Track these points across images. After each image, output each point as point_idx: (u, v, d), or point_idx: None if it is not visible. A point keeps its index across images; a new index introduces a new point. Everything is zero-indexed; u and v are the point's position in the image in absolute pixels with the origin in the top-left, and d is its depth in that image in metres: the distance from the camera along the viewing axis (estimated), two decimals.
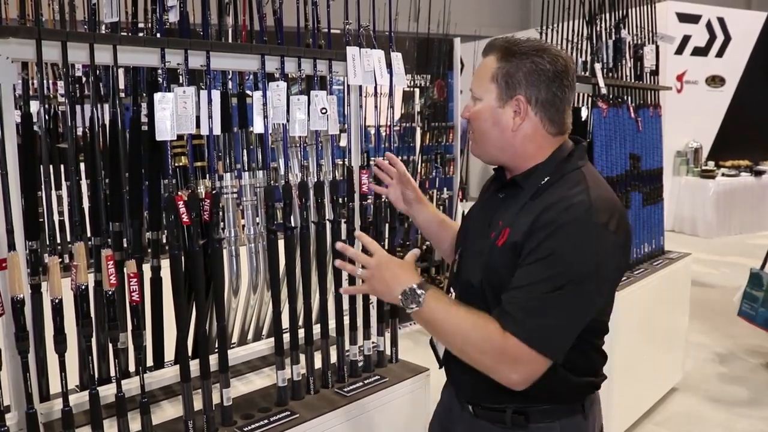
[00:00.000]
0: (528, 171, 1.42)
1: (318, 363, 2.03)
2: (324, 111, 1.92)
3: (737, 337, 4.85)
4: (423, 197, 1.84)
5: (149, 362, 1.96)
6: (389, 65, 2.10)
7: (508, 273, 1.33)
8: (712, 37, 9.41)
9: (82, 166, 1.87)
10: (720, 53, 9.52)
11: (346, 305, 2.10)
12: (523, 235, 1.32)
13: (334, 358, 2.08)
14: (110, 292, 1.56)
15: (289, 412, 1.85)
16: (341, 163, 2.17)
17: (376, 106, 2.17)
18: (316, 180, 1.99)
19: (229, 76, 2.08)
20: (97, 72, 1.76)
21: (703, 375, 4.31)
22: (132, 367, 1.88)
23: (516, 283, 1.30)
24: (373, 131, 2.21)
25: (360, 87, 2.10)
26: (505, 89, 1.38)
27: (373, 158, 2.01)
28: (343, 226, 2.08)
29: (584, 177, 1.37)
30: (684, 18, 9.02)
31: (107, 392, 1.70)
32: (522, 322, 1.26)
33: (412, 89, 5.53)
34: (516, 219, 1.37)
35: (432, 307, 1.33)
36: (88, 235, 1.89)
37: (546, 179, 1.38)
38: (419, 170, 5.34)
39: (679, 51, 9.00)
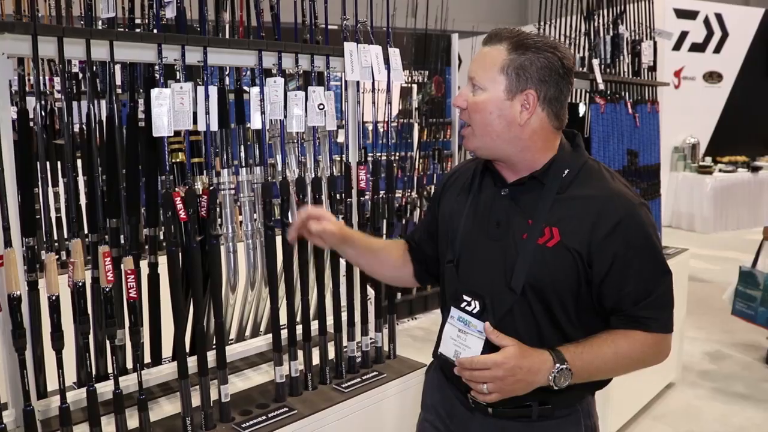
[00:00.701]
0: (546, 165, 1.40)
1: (316, 359, 2.03)
2: (321, 107, 1.92)
3: (734, 332, 4.86)
4: (347, 235, 1.60)
5: (147, 359, 1.96)
6: (387, 61, 2.10)
7: (565, 272, 1.35)
8: (710, 33, 9.41)
9: (79, 162, 1.87)
10: (717, 49, 9.52)
11: (343, 301, 2.10)
12: (587, 235, 1.33)
13: (332, 355, 2.08)
14: (107, 289, 1.56)
15: (287, 408, 1.85)
16: (339, 159, 2.16)
17: (373, 102, 2.16)
18: (313, 176, 1.98)
19: (227, 72, 2.07)
20: (94, 68, 1.76)
21: (700, 370, 4.32)
22: (130, 364, 1.88)
23: (630, 286, 1.35)
24: (370, 127, 2.21)
25: (357, 83, 2.10)
26: (515, 82, 1.34)
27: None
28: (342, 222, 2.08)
29: (601, 166, 1.44)
30: (682, 14, 9.02)
31: (105, 389, 1.70)
32: (661, 319, 1.38)
33: (409, 85, 5.52)
34: (558, 217, 1.35)
35: (581, 367, 1.33)
36: (86, 231, 1.89)
37: (566, 171, 1.39)
38: (417, 167, 5.33)
39: (677, 47, 9.00)
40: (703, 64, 9.41)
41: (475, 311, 1.39)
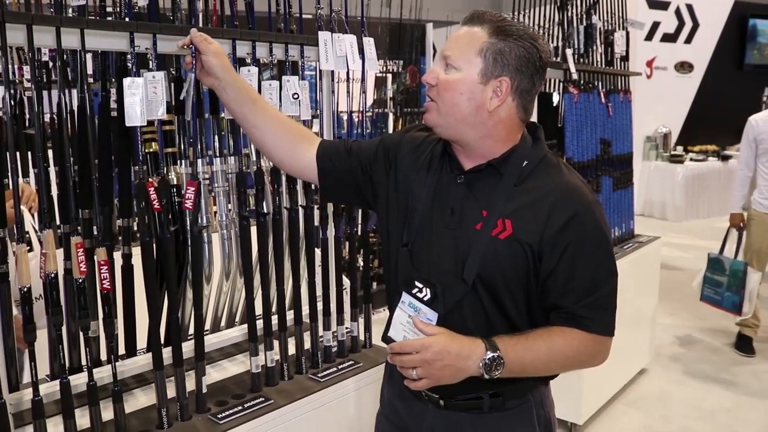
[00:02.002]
0: (505, 154, 1.38)
1: (292, 349, 2.03)
2: (296, 96, 1.91)
3: (704, 318, 4.95)
4: (230, 66, 1.60)
5: (122, 350, 1.94)
6: (361, 50, 2.09)
7: (515, 266, 1.33)
8: (681, 24, 9.51)
9: (50, 152, 1.85)
10: (689, 39, 9.63)
11: (319, 291, 2.10)
12: (539, 229, 1.32)
13: (308, 344, 2.09)
14: (80, 280, 1.55)
15: (263, 399, 1.85)
16: None
17: (348, 92, 2.16)
18: None
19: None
20: (65, 56, 1.73)
21: (671, 356, 4.40)
22: (104, 356, 1.86)
23: (574, 282, 1.34)
24: (345, 117, 2.21)
25: (332, 72, 2.10)
26: (491, 67, 1.31)
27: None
28: (316, 212, 2.08)
29: (560, 161, 1.42)
30: (654, 4, 9.11)
31: (79, 381, 1.68)
32: (600, 320, 1.36)
33: (384, 75, 5.51)
34: (512, 209, 1.34)
35: (513, 358, 1.30)
36: (58, 222, 1.86)
37: (525, 163, 1.37)
38: None
39: (649, 37, 9.09)
40: (674, 54, 9.52)
41: (426, 299, 1.37)
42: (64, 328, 1.64)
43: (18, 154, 3.19)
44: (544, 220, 1.32)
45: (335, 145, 1.61)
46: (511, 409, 1.44)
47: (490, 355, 1.28)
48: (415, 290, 1.39)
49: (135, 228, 2.05)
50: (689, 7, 9.52)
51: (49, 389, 1.69)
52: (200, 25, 2.10)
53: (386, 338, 1.42)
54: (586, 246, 1.33)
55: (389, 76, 5.55)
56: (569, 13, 3.66)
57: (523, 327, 1.38)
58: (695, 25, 9.63)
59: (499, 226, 1.33)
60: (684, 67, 9.68)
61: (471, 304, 1.36)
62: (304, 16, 2.08)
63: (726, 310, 4.18)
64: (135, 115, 1.58)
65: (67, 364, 1.72)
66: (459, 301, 1.36)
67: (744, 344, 4.43)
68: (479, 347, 1.29)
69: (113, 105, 1.79)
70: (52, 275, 1.52)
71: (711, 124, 9.63)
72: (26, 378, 1.85)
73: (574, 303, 1.34)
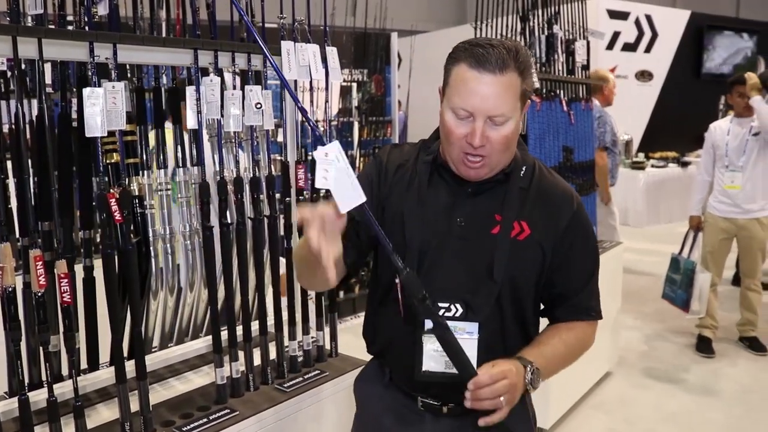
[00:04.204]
0: (512, 163, 1.41)
1: (257, 359, 2.02)
2: (259, 106, 1.90)
3: (666, 321, 5.04)
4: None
5: (84, 365, 1.91)
6: (324, 60, 2.09)
7: (534, 264, 1.40)
8: (641, 34, 9.71)
9: (9, 164, 1.82)
10: (648, 49, 9.84)
11: (284, 301, 2.09)
12: (552, 227, 1.40)
13: (273, 354, 2.07)
14: (39, 294, 1.52)
15: (228, 410, 1.83)
16: (278, 158, 2.15)
17: (312, 101, 2.16)
18: (251, 176, 1.97)
19: (162, 71, 2.04)
20: (23, 66, 1.70)
21: (635, 359, 4.46)
22: (65, 371, 1.83)
23: (579, 276, 1.48)
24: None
25: (296, 82, 2.10)
26: (523, 101, 1.33)
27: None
28: (280, 222, 2.07)
29: (541, 164, 1.50)
30: (614, 15, 9.28)
31: (38, 397, 1.65)
32: (597, 308, 1.52)
33: (349, 84, 5.52)
34: (525, 210, 1.39)
35: (543, 365, 1.37)
36: (16, 235, 1.83)
37: (524, 168, 1.43)
38: (357, 165, 5.35)
39: (610, 46, 9.26)
40: (634, 63, 9.71)
41: (459, 314, 1.34)
42: (23, 344, 1.61)
43: None
44: (555, 218, 1.41)
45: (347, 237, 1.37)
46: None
47: (530, 368, 1.33)
48: (442, 311, 1.34)
49: (97, 240, 2.02)
50: (648, 18, 9.73)
51: (7, 407, 1.66)
52: (163, 34, 2.09)
53: (423, 375, 1.35)
54: (584, 240, 1.47)
55: (354, 84, 5.56)
56: (531, 23, 3.71)
57: (531, 328, 1.46)
58: (654, 35, 9.84)
59: (516, 228, 1.39)
60: (644, 75, 9.88)
61: (503, 305, 1.40)
62: (267, 25, 2.08)
63: (678, 306, 4.43)
64: (95, 125, 1.57)
65: (26, 381, 1.69)
66: (496, 300, 1.37)
67: (704, 346, 4.52)
68: (518, 364, 1.32)
69: (74, 115, 1.77)
70: (10, 289, 1.49)
71: (671, 131, 9.83)
72: None
73: (579, 293, 1.47)
